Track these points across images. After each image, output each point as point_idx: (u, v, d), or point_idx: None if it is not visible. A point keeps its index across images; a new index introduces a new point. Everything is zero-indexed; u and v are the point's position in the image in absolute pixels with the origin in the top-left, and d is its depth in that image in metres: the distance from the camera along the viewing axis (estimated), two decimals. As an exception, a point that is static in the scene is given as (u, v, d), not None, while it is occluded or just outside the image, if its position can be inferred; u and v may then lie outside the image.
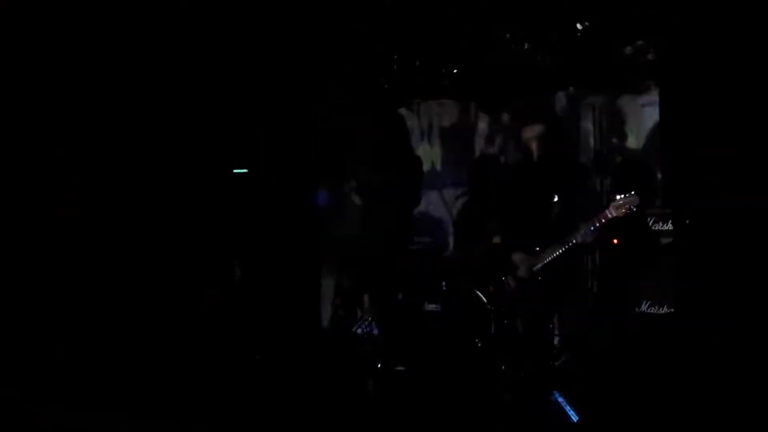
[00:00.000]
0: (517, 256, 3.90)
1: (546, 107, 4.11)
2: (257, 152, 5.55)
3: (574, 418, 3.68)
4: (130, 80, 5.06)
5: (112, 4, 4.83)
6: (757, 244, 4.04)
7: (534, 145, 3.85)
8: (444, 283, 5.01)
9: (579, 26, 5.01)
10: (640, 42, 5.06)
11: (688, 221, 4.38)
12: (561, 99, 5.66)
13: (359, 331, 5.33)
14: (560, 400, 3.80)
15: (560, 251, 3.69)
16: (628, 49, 5.15)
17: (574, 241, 3.66)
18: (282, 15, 5.09)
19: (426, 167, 6.05)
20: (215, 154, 5.49)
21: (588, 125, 5.34)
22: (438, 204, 5.98)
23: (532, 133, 3.85)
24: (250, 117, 5.60)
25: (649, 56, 5.05)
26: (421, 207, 6.07)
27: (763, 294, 4.00)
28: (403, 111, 6.17)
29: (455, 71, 5.39)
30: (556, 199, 3.72)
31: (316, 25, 5.15)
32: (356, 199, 4.57)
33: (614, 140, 5.39)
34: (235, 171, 5.46)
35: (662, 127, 5.06)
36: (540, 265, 3.76)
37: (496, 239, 4.95)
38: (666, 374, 4.14)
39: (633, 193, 3.55)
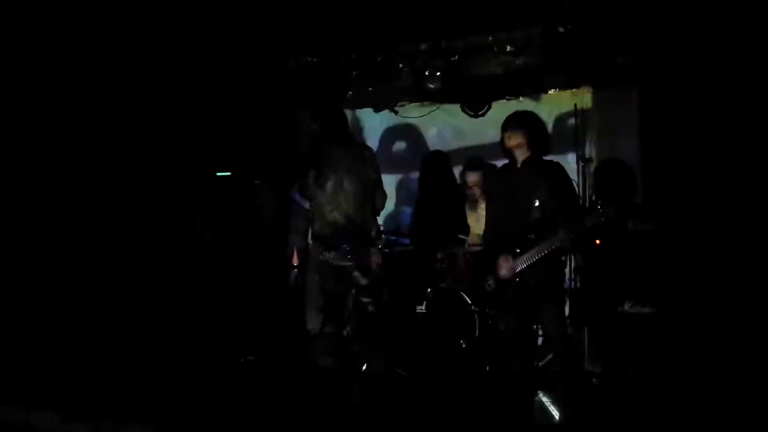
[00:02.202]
0: (499, 258, 3.95)
1: (528, 114, 4.20)
2: (242, 155, 5.56)
3: (557, 417, 3.74)
4: (128, 80, 5.07)
5: (112, 4, 4.82)
6: (738, 244, 4.14)
7: (516, 152, 3.96)
8: (429, 285, 5.05)
9: (561, 29, 5.06)
10: (621, 45, 5.10)
11: (667, 222, 4.47)
12: (543, 102, 5.77)
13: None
14: (543, 399, 3.87)
15: (539, 255, 3.76)
16: (610, 53, 5.19)
17: (552, 246, 3.73)
18: (266, 15, 5.11)
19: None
20: (201, 156, 5.50)
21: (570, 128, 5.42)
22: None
23: (514, 140, 3.95)
24: (238, 118, 5.61)
25: (630, 60, 5.10)
26: (404, 209, 6.16)
27: (744, 294, 4.09)
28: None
29: (438, 74, 5.40)
30: (537, 203, 3.80)
31: (306, 26, 5.17)
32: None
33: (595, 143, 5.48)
34: (218, 174, 5.46)
35: (641, 130, 5.13)
36: (520, 267, 3.83)
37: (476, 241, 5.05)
38: (649, 373, 4.22)
39: (610, 204, 3.65)
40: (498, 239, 3.98)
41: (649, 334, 4.36)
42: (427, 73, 5.43)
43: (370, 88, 5.73)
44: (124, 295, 4.90)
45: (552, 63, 5.24)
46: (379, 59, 5.54)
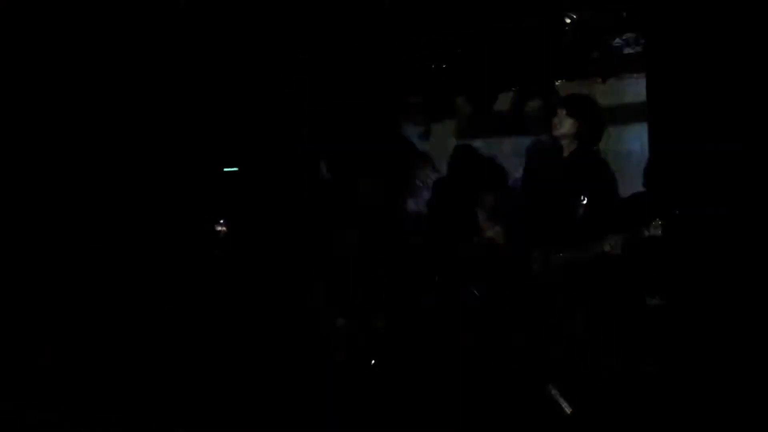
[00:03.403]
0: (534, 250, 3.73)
1: (586, 99, 3.74)
2: (248, 150, 5.53)
3: (568, 410, 3.64)
4: (127, 79, 5.05)
5: (112, 3, 4.81)
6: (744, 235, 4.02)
7: (563, 141, 3.65)
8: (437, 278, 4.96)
9: (567, 19, 5.00)
10: (629, 34, 5.03)
11: (677, 212, 4.34)
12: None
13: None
14: (554, 392, 3.74)
15: (582, 257, 3.49)
16: (617, 42, 5.12)
17: (599, 251, 3.45)
18: (272, 12, 5.11)
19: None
20: (207, 152, 5.48)
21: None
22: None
23: (563, 129, 3.62)
24: (241, 115, 5.59)
25: (638, 48, 5.01)
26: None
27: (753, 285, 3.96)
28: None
29: (444, 66, 5.34)
30: (585, 201, 3.48)
31: (308, 23, 5.16)
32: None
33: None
34: (225, 170, 5.44)
35: (650, 120, 5.03)
36: (558, 265, 3.59)
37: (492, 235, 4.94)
38: (660, 366, 4.09)
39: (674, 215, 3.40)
40: (533, 231, 3.73)
41: (670, 328, 4.22)
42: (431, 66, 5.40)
43: (372, 83, 5.68)
44: (124, 295, 4.87)
45: (558, 53, 5.17)
46: (380, 54, 5.50)
